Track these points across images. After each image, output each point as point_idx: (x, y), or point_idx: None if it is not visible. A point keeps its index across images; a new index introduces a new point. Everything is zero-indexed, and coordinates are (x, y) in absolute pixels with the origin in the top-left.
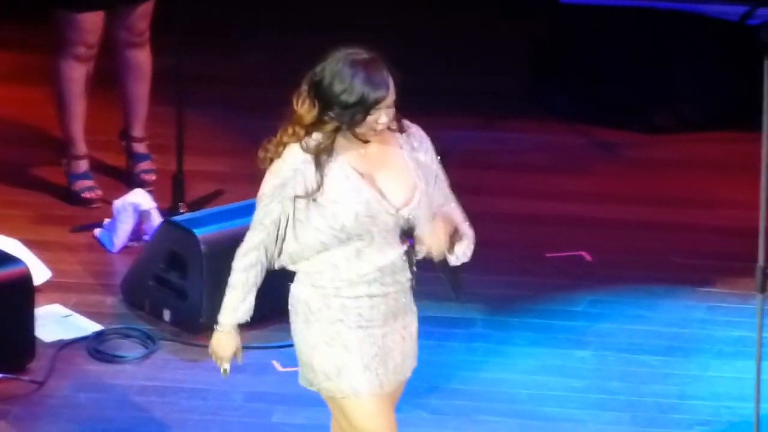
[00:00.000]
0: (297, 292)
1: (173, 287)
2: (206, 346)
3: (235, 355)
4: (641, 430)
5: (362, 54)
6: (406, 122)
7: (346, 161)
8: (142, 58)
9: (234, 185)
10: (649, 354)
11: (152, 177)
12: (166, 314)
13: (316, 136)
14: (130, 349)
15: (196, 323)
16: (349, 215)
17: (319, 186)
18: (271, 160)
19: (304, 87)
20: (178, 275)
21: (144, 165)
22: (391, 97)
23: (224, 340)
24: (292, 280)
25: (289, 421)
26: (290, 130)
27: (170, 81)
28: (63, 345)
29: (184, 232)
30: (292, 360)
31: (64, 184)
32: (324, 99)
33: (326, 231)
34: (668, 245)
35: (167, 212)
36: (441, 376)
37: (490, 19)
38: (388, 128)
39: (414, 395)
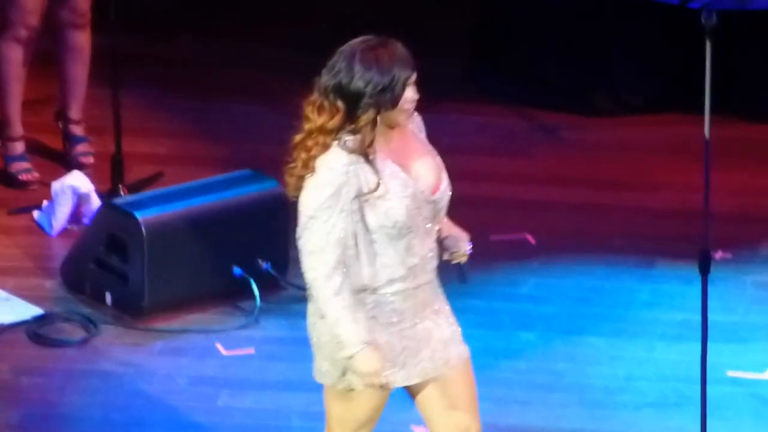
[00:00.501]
0: None
1: (114, 271)
2: (149, 329)
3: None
4: (589, 412)
5: (374, 38)
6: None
7: (384, 156)
8: (82, 40)
9: (174, 167)
10: (594, 336)
11: (90, 159)
12: (108, 298)
13: (351, 137)
14: (72, 333)
15: (139, 306)
16: (401, 210)
17: (378, 184)
18: (302, 178)
19: (317, 95)
20: (119, 258)
21: (81, 147)
22: (415, 72)
23: (367, 357)
24: (236, 264)
25: (235, 405)
26: (311, 142)
27: (106, 62)
28: (2, 329)
29: (124, 215)
30: (236, 343)
31: (1, 166)
32: (351, 96)
33: (378, 231)
34: (611, 228)
35: (107, 195)
36: None
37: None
38: None
39: None
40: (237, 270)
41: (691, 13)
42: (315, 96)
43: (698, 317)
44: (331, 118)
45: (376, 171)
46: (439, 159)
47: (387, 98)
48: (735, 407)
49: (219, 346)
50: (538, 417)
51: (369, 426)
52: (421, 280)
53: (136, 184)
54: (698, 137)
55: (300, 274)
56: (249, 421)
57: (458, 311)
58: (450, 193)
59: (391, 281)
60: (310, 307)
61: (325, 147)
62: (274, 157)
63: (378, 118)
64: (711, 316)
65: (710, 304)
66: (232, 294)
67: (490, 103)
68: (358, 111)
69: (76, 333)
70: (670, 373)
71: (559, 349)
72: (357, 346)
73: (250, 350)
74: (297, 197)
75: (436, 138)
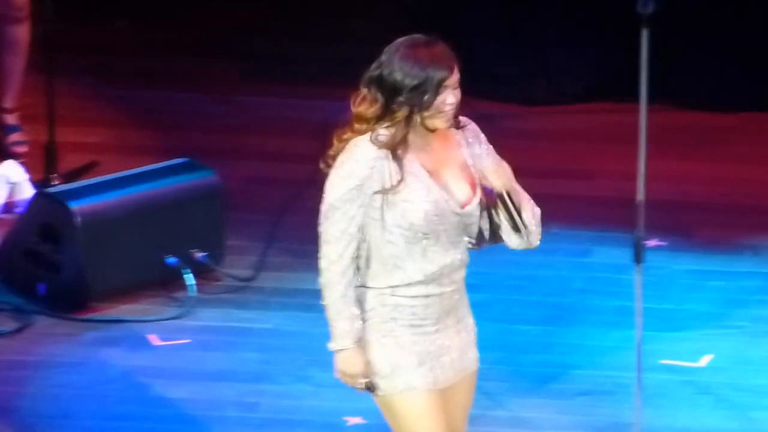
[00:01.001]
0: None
1: (47, 261)
2: (82, 320)
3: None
4: (522, 401)
5: (420, 37)
6: (461, 118)
7: (414, 158)
8: (20, 34)
9: (109, 156)
10: (528, 324)
11: (23, 149)
12: (41, 288)
13: (384, 131)
14: (2, 323)
15: (72, 297)
16: (418, 214)
17: (400, 180)
18: (334, 158)
19: (362, 87)
20: (53, 248)
21: (14, 137)
22: (455, 76)
23: (350, 358)
24: (171, 253)
25: (169, 395)
26: (348, 129)
27: (40, 49)
28: None
29: (57, 205)
30: (169, 334)
31: None
32: (389, 88)
33: (394, 230)
34: (547, 216)
35: (40, 184)
36: (323, 349)
37: None
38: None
39: (296, 368)
40: (171, 259)
41: (629, 1)
42: (361, 89)
43: (632, 305)
44: (370, 107)
45: (401, 169)
46: (478, 178)
47: (421, 97)
48: (669, 395)
49: (151, 337)
50: (472, 406)
51: None
52: (445, 288)
53: (71, 173)
54: (635, 125)
55: (235, 264)
56: (183, 412)
57: None
58: (479, 209)
59: (408, 285)
60: None
61: (359, 133)
62: (211, 145)
63: (413, 117)
64: (645, 304)
65: (645, 291)
66: (167, 284)
67: None
68: (394, 105)
69: (7, 323)
70: (605, 361)
71: (492, 338)
72: (345, 343)
73: (185, 340)
74: None
75: None
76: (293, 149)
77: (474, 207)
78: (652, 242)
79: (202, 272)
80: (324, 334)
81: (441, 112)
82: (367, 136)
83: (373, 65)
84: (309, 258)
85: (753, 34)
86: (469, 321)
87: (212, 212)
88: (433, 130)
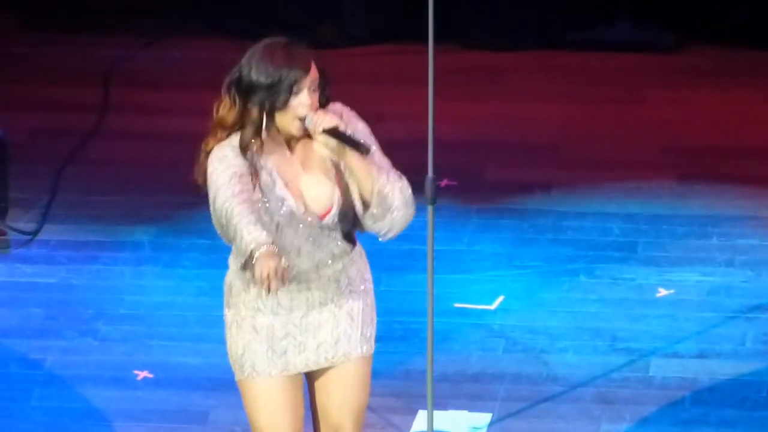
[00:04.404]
0: (227, 274)
1: None
2: None
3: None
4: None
5: (280, 39)
6: (333, 106)
7: (273, 167)
8: None
9: None
10: None
11: None
12: None
13: (245, 133)
14: None
15: None
16: (272, 226)
17: (255, 180)
18: (204, 170)
19: (224, 91)
20: None
21: None
22: (311, 77)
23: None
24: None
25: None
26: (211, 138)
27: None
28: None
29: None
30: None
31: None
32: (245, 89)
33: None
34: None
35: None
36: (109, 302)
37: None
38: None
39: (81, 322)
40: None
41: None
42: (223, 92)
43: (424, 248)
44: (229, 112)
45: (256, 171)
46: (338, 185)
47: (275, 97)
48: (462, 339)
49: None
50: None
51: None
52: (311, 283)
53: None
54: (422, 67)
55: (19, 217)
56: None
57: (182, 250)
58: (338, 217)
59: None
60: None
61: (220, 140)
62: None
63: (265, 117)
64: (437, 246)
65: (436, 234)
66: None
67: (217, 39)
68: (249, 106)
69: None
70: (396, 307)
71: None
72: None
73: None
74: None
75: (161, 74)
76: (77, 99)
77: (332, 217)
78: (443, 182)
79: None
80: (111, 286)
81: (297, 115)
82: (226, 141)
83: (235, 68)
84: (93, 209)
85: None
86: (354, 308)
87: None
88: (289, 138)
